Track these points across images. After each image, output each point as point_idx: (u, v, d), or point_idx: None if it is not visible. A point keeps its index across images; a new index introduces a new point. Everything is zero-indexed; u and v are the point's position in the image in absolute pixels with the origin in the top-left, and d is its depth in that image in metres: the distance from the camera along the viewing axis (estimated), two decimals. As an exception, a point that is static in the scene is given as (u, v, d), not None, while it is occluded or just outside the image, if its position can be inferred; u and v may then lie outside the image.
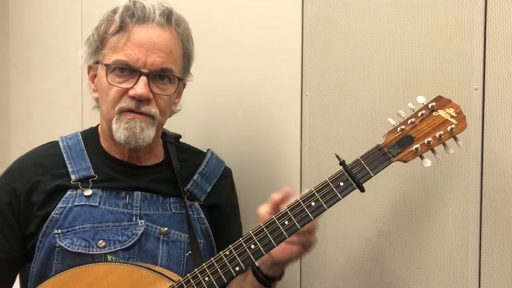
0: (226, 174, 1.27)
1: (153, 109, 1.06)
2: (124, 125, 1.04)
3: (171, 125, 1.24)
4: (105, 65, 1.06)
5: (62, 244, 1.04)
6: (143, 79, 1.04)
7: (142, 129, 1.05)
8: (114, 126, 1.06)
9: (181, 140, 1.29)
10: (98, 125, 1.20)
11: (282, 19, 1.33)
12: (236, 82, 1.43)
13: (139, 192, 1.12)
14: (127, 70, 1.05)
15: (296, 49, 1.30)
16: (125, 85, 1.05)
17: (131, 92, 1.04)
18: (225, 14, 1.45)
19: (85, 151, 1.14)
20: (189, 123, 1.46)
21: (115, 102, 1.05)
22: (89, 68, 1.14)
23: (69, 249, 1.04)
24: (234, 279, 0.99)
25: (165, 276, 0.99)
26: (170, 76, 1.09)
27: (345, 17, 1.23)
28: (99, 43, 1.09)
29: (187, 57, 1.14)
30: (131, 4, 1.07)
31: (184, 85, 1.20)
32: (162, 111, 1.09)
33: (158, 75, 1.07)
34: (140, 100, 1.04)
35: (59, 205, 1.07)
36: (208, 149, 1.27)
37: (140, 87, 1.03)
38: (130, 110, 1.05)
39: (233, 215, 1.27)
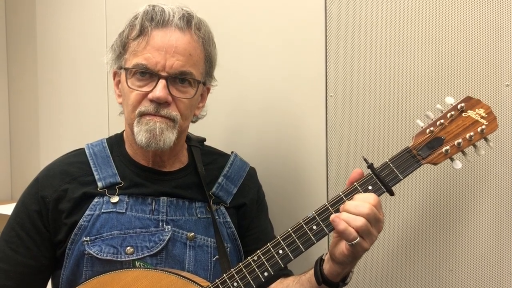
0: (251, 174, 1.27)
1: (173, 113, 1.07)
2: (144, 127, 1.05)
3: (196, 129, 1.25)
4: (125, 69, 1.07)
5: (90, 252, 1.05)
6: (162, 82, 1.04)
7: (162, 131, 1.05)
8: (135, 130, 1.06)
9: (205, 143, 1.29)
10: (123, 131, 1.21)
11: (305, 19, 1.32)
12: (259, 84, 1.43)
13: (165, 198, 1.13)
14: (147, 74, 1.06)
15: (319, 50, 1.29)
16: (145, 89, 1.06)
17: (150, 95, 1.05)
18: (247, 16, 1.45)
19: (111, 158, 1.15)
20: (214, 126, 1.46)
21: (135, 106, 1.07)
22: (114, 74, 1.15)
23: (98, 256, 1.05)
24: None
25: (194, 282, 0.99)
26: (190, 79, 1.08)
27: (369, 15, 1.21)
28: (122, 48, 1.10)
29: (209, 61, 1.14)
30: (150, 8, 1.07)
31: (209, 89, 1.20)
32: (183, 115, 1.09)
33: (178, 78, 1.07)
34: (159, 103, 1.05)
35: (87, 212, 1.08)
36: (232, 152, 1.27)
37: (159, 90, 1.04)
38: (149, 114, 1.06)
39: (261, 210, 1.26)
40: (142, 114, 1.06)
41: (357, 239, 0.88)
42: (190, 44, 1.07)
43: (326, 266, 0.97)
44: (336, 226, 0.89)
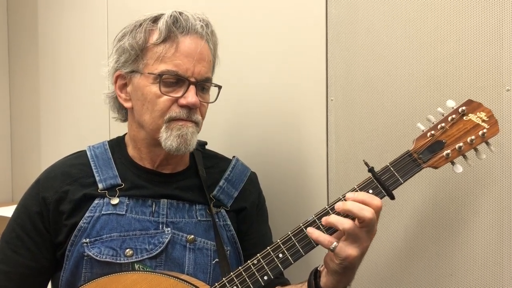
0: (252, 179, 1.27)
1: (199, 117, 1.10)
2: (176, 132, 1.06)
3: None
4: (158, 75, 1.06)
5: (90, 253, 1.05)
6: (192, 88, 1.06)
7: (192, 135, 1.08)
8: (163, 135, 1.06)
9: (206, 147, 1.29)
10: (125, 134, 1.21)
11: (306, 23, 1.32)
12: (260, 88, 1.43)
13: (166, 200, 1.13)
14: (176, 80, 1.06)
15: (320, 53, 1.29)
16: (174, 94, 1.06)
17: (182, 101, 1.06)
18: (248, 20, 1.45)
19: (112, 160, 1.15)
20: (214, 130, 1.46)
21: (164, 111, 1.06)
22: (117, 77, 1.13)
23: (97, 258, 1.05)
24: None
25: (193, 285, 0.99)
26: (209, 84, 1.12)
27: (369, 19, 1.21)
28: (139, 51, 1.08)
29: (214, 67, 1.17)
30: (177, 14, 1.08)
31: None
32: (203, 118, 1.12)
33: (201, 85, 1.09)
34: (191, 108, 1.07)
35: (87, 214, 1.08)
36: (234, 156, 1.27)
37: (192, 96, 1.06)
38: (181, 119, 1.07)
39: (261, 215, 1.26)
40: (172, 120, 1.06)
41: (334, 244, 0.89)
42: (209, 50, 1.11)
43: (321, 278, 0.97)
44: (311, 236, 0.91)
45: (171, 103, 1.06)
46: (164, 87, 1.06)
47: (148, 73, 1.07)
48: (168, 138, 1.06)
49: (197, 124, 1.09)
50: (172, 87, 1.06)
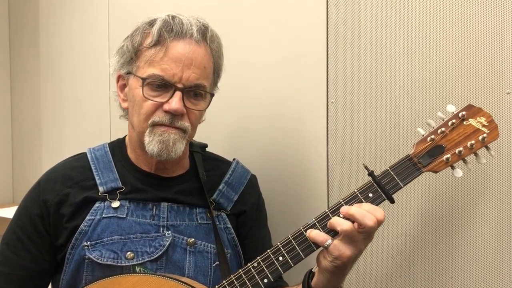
0: (252, 182, 1.27)
1: (186, 124, 1.07)
2: (157, 138, 1.05)
3: (198, 135, 1.25)
4: (142, 78, 1.06)
5: (91, 256, 1.06)
6: (178, 94, 1.04)
7: (175, 142, 1.05)
8: (146, 139, 1.06)
9: (207, 149, 1.29)
10: (125, 136, 1.21)
11: (307, 27, 1.32)
12: (261, 90, 1.43)
13: (166, 203, 1.13)
14: (162, 85, 1.05)
15: (321, 56, 1.29)
16: (159, 99, 1.05)
17: (166, 107, 1.04)
18: (249, 22, 1.45)
19: (113, 163, 1.16)
20: (215, 132, 1.47)
21: (148, 115, 1.06)
22: (119, 77, 1.14)
23: (98, 261, 1.05)
24: None
25: (194, 287, 0.99)
26: (202, 92, 1.09)
27: (370, 23, 1.21)
28: (134, 54, 1.08)
29: (217, 72, 1.15)
30: (170, 19, 1.07)
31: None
32: (193, 125, 1.10)
33: (192, 91, 1.07)
34: (174, 115, 1.05)
35: (88, 217, 1.08)
36: (234, 159, 1.27)
37: (175, 102, 1.04)
38: (163, 125, 1.05)
39: (260, 218, 1.26)
40: (155, 124, 1.06)
41: (328, 242, 0.91)
42: (205, 56, 1.08)
43: (314, 277, 0.97)
44: (308, 236, 0.93)
45: (155, 108, 1.05)
46: (150, 91, 1.05)
47: (137, 76, 1.07)
48: (150, 143, 1.05)
49: (184, 131, 1.07)
50: (158, 92, 1.05)
